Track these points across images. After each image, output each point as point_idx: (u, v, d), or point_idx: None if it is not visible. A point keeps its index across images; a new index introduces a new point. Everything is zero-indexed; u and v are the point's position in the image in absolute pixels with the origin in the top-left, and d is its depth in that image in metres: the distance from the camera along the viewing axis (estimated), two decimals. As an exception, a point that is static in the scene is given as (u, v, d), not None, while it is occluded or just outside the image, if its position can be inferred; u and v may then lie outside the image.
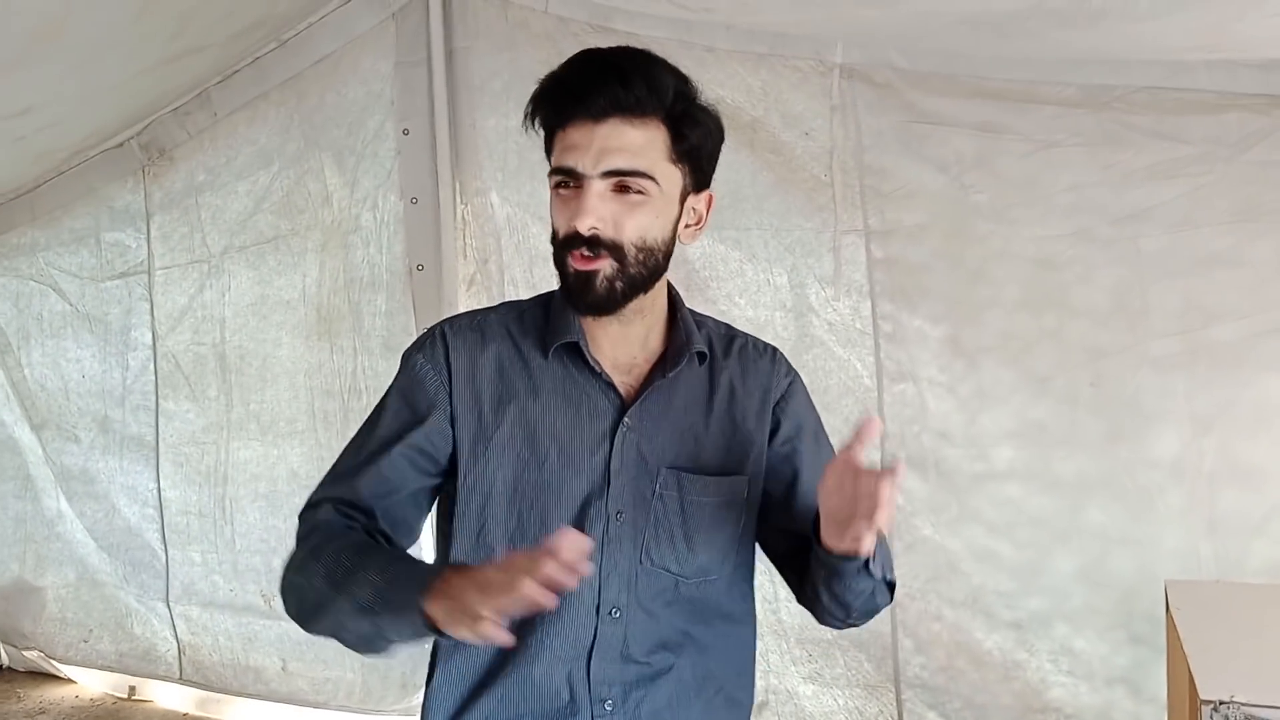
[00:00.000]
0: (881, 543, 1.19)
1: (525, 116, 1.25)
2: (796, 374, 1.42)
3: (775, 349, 1.42)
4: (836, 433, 2.62)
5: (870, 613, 1.30)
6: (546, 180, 1.25)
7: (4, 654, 4.12)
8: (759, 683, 2.76)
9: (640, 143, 1.18)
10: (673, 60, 2.94)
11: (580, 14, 2.72)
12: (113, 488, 3.70)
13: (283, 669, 3.47)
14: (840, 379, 2.62)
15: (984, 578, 2.53)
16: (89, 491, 3.75)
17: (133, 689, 3.83)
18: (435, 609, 1.02)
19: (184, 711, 3.70)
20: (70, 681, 3.97)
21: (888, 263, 2.56)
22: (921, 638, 2.60)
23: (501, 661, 1.25)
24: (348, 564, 1.15)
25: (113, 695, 3.85)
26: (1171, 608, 1.95)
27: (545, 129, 1.25)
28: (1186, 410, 2.32)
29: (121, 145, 3.42)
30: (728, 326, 1.42)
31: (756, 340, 1.41)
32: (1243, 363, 2.28)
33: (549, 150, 1.25)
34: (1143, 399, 2.36)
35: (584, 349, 1.27)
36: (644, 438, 1.28)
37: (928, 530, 2.57)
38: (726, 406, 1.33)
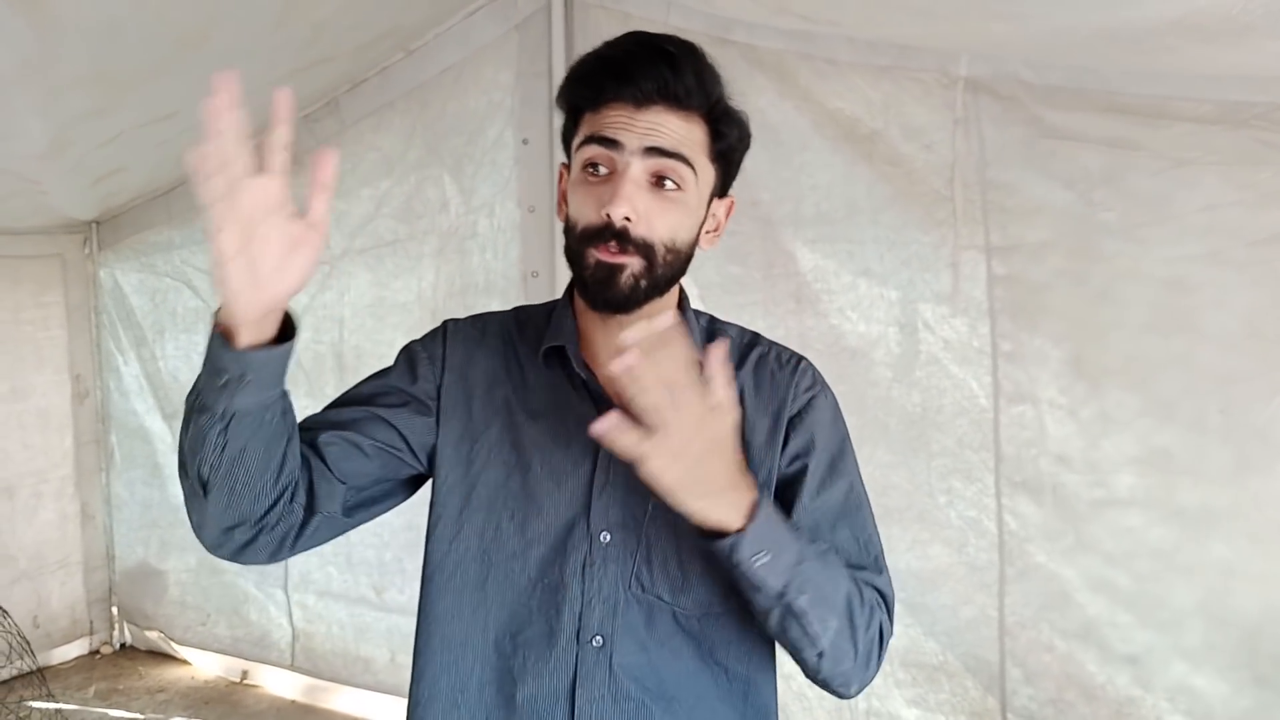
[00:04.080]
0: (787, 550, 1.03)
1: (557, 95, 1.17)
2: (824, 388, 1.24)
3: (802, 360, 1.26)
4: (949, 454, 2.57)
5: (799, 653, 1.09)
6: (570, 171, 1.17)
7: (128, 633, 4.32)
8: (859, 703, 2.72)
9: (683, 133, 1.10)
10: (791, 71, 2.91)
11: (699, 25, 2.70)
12: (235, 478, 3.83)
13: (391, 660, 3.56)
14: (955, 398, 2.56)
15: (1099, 609, 2.44)
16: (212, 481, 3.89)
17: (245, 673, 3.97)
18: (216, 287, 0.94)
19: (292, 698, 3.82)
20: (186, 663, 4.14)
21: (1009, 280, 2.49)
22: (1031, 668, 2.53)
23: (486, 684, 1.17)
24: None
25: (226, 679, 4.00)
26: (1304, 649, 1.86)
27: (572, 112, 1.16)
28: (1322, 442, 2.20)
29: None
30: (754, 335, 1.29)
31: (782, 351, 1.27)
32: (1384, 394, 2.15)
33: (570, 137, 1.17)
34: (1275, 429, 2.24)
35: (570, 353, 1.19)
36: None
37: (1041, 557, 2.49)
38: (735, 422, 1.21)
